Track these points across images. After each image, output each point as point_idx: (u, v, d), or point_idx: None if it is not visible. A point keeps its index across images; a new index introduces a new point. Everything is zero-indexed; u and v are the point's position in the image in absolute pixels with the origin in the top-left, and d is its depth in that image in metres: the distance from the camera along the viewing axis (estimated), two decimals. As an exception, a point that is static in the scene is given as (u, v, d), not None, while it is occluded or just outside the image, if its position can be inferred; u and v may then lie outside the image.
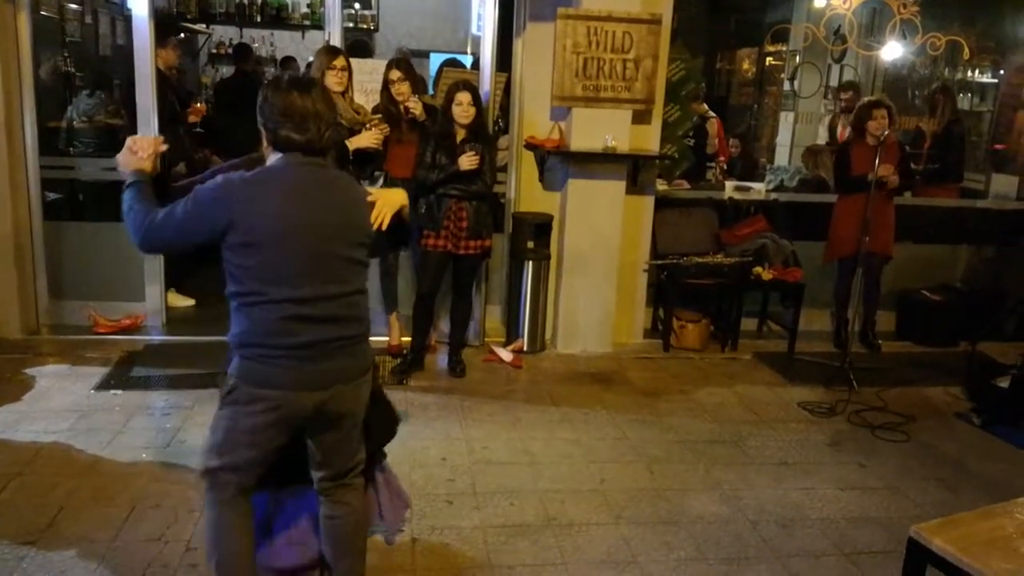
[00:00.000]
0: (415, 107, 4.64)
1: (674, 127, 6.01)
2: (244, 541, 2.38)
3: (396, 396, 3.87)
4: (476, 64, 5.97)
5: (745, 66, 9.86)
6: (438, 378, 4.86)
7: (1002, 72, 7.48)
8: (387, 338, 5.09)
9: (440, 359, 5.07)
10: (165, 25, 6.11)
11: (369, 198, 2.46)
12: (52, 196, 5.23)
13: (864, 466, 4.05)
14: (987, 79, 7.83)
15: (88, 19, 6.64)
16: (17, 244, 4.99)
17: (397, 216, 2.56)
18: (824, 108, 8.33)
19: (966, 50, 6.00)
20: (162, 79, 5.19)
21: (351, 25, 8.04)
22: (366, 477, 2.72)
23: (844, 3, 5.56)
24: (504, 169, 5.37)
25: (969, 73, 7.89)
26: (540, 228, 5.26)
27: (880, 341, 5.83)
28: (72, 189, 5.47)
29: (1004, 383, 4.73)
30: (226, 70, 8.74)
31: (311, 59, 5.36)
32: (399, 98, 4.67)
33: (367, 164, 4.59)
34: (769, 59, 9.34)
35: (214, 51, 8.95)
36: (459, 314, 4.93)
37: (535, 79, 5.23)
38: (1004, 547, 2.18)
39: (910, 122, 6.92)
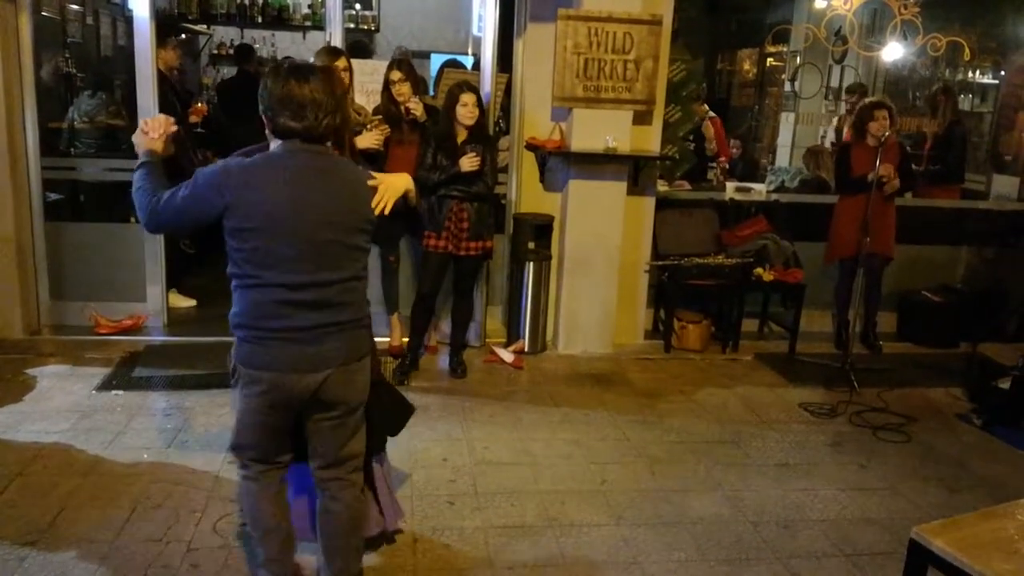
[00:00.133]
0: (416, 108, 4.64)
1: (675, 128, 6.01)
2: (273, 508, 2.53)
3: (397, 397, 3.87)
4: (477, 65, 5.98)
5: (746, 67, 9.86)
6: (439, 379, 4.86)
7: (1003, 73, 7.47)
8: (388, 339, 5.09)
9: (441, 360, 5.07)
10: (166, 26, 6.11)
11: (371, 182, 2.46)
12: (53, 197, 5.24)
13: (865, 467, 4.05)
14: (988, 80, 7.83)
15: (89, 20, 6.64)
16: (19, 245, 4.99)
17: (403, 201, 2.56)
18: (825, 109, 8.33)
19: (967, 51, 6.00)
20: (163, 79, 5.20)
21: (352, 26, 8.04)
22: (365, 475, 2.73)
23: (845, 4, 5.56)
24: (505, 170, 5.37)
25: (970, 74, 7.88)
26: (541, 229, 5.27)
27: (881, 342, 5.83)
28: (73, 190, 5.49)
29: (1005, 384, 4.74)
30: (227, 71, 8.75)
31: (312, 60, 5.35)
32: (400, 99, 4.67)
33: (368, 165, 4.58)
34: (770, 60, 9.34)
35: (215, 52, 8.94)
36: (460, 315, 4.93)
37: (536, 80, 5.24)
38: (1005, 548, 2.18)
39: (911, 123, 6.92)
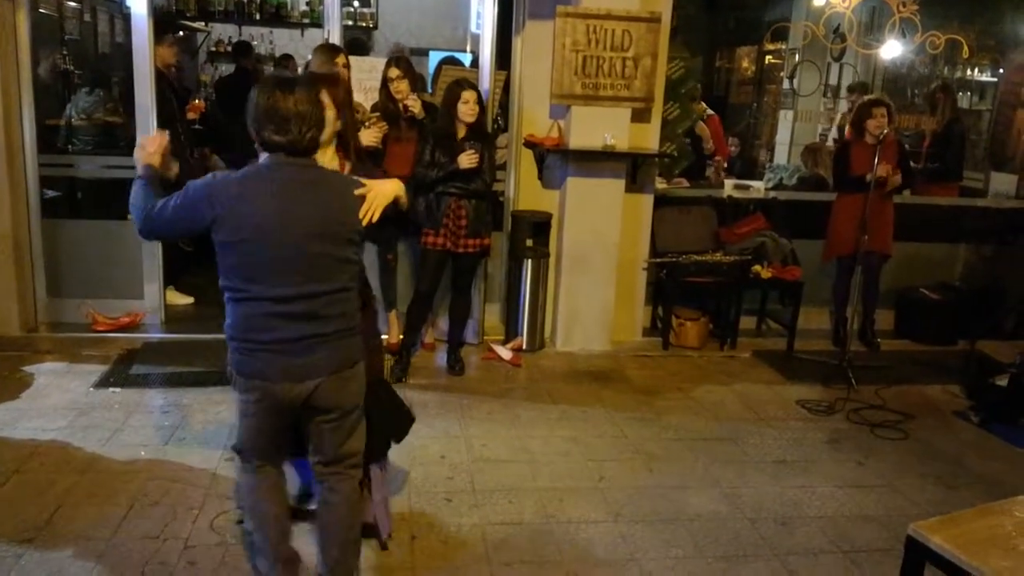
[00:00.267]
0: (414, 105, 4.64)
1: (673, 125, 6.01)
2: (272, 497, 2.60)
3: (395, 394, 3.86)
4: (475, 62, 5.96)
5: (744, 64, 9.85)
6: (437, 376, 4.86)
7: (1001, 70, 7.47)
8: (386, 336, 5.08)
9: (439, 357, 5.07)
10: (164, 23, 6.10)
11: (360, 191, 2.46)
12: (51, 194, 5.23)
13: (863, 464, 4.05)
14: (986, 77, 7.82)
15: (87, 17, 6.64)
16: (16, 242, 4.98)
17: (393, 207, 2.56)
18: (823, 107, 8.33)
19: (965, 48, 6.00)
20: (160, 77, 5.19)
21: (350, 23, 8.03)
22: (364, 474, 2.74)
23: (843, 1, 5.56)
24: (503, 167, 5.36)
25: (968, 71, 7.88)
26: (539, 226, 5.27)
27: (879, 339, 5.83)
28: (71, 187, 5.47)
29: (1002, 381, 4.74)
30: (225, 68, 8.74)
31: (310, 57, 5.35)
32: (398, 96, 4.67)
33: (370, 163, 4.58)
34: (768, 57, 9.34)
35: (213, 49, 8.93)
36: (458, 312, 4.92)
37: (534, 77, 5.23)
38: (1003, 545, 2.18)
39: (910, 120, 6.92)
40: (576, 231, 5.30)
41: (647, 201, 5.56)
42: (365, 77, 5.05)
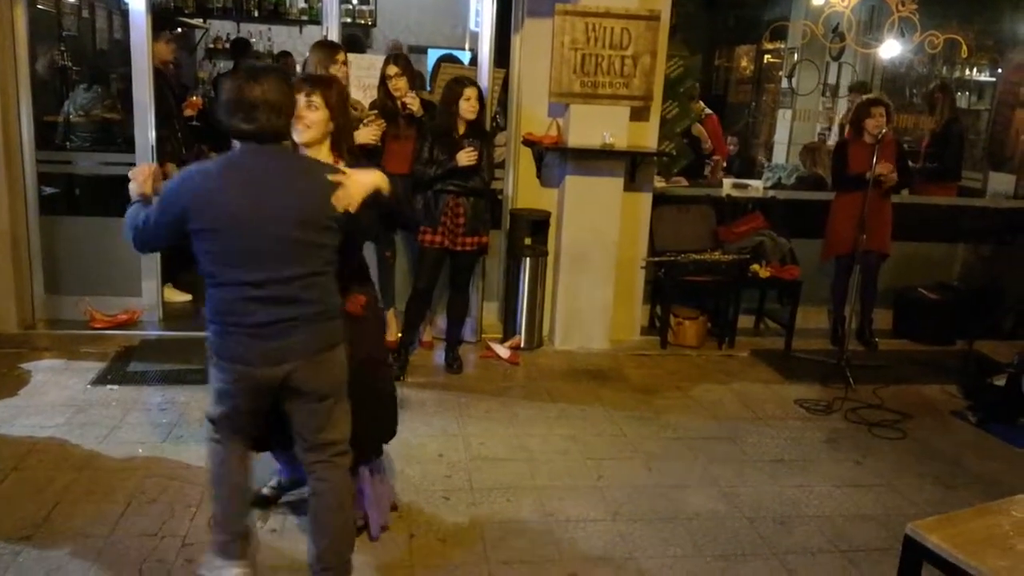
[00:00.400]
0: (412, 103, 4.63)
1: (672, 124, 6.00)
2: (235, 475, 2.63)
3: (393, 392, 3.86)
4: (474, 60, 5.96)
5: (743, 63, 9.86)
6: (435, 374, 4.85)
7: (1000, 70, 7.48)
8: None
9: (437, 355, 5.07)
10: (162, 19, 6.09)
11: (336, 177, 2.46)
12: (48, 190, 5.22)
13: (861, 463, 4.06)
14: (985, 77, 7.84)
15: (85, 13, 6.62)
16: (13, 238, 4.97)
17: (375, 197, 2.54)
18: (822, 106, 8.34)
19: (964, 48, 6.01)
20: (158, 73, 5.18)
21: (349, 20, 8.02)
22: (352, 470, 2.73)
23: (842, 0, 5.56)
24: (502, 165, 5.36)
25: (967, 71, 7.89)
26: (538, 225, 5.26)
27: (877, 339, 5.83)
28: (69, 183, 5.46)
29: (1000, 381, 4.75)
30: (223, 65, 8.72)
31: (308, 54, 5.34)
32: (396, 94, 4.66)
33: (367, 160, 4.57)
34: (767, 56, 9.35)
35: (211, 46, 8.92)
36: (456, 310, 4.92)
37: (533, 75, 5.22)
38: (1000, 544, 2.19)
39: (909, 120, 6.93)
40: (575, 230, 5.30)
41: (646, 200, 5.55)
42: (364, 74, 5.05)
